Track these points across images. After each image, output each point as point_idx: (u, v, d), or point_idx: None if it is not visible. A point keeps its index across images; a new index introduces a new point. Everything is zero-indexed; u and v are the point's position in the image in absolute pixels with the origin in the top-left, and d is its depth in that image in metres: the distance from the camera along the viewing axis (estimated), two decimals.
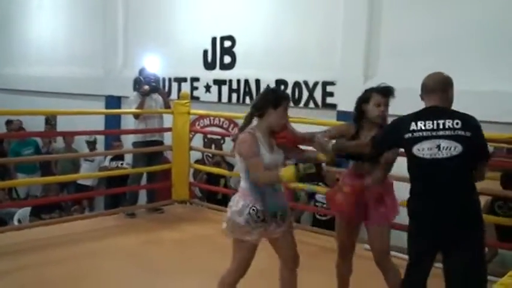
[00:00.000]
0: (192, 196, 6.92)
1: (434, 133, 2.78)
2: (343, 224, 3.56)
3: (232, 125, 7.75)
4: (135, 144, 6.52)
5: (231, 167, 7.32)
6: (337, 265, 3.73)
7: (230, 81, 7.67)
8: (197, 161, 7.44)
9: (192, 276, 4.31)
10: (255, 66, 7.39)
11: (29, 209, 7.30)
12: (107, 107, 9.36)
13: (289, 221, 3.36)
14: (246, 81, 7.48)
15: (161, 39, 8.57)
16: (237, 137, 3.16)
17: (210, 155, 7.89)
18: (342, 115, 6.39)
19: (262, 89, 7.28)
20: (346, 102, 6.41)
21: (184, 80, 8.21)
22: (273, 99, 3.15)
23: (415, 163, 2.86)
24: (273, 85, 7.14)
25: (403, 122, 2.92)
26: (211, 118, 7.96)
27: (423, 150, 2.79)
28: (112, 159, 8.17)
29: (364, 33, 6.29)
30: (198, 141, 7.88)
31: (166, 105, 6.53)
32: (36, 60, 11.07)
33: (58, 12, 10.75)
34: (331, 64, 6.64)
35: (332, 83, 6.63)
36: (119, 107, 8.98)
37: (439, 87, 2.91)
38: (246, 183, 3.15)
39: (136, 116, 6.39)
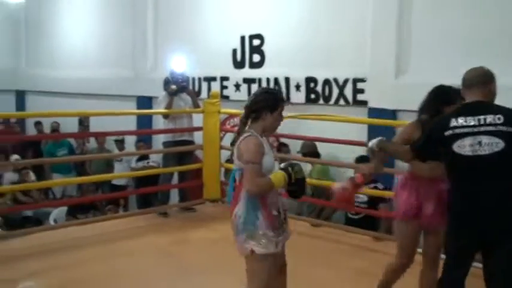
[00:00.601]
0: (223, 195, 6.93)
1: (475, 129, 2.70)
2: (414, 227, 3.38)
3: None
4: (165, 144, 6.57)
5: None
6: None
7: (259, 79, 7.66)
8: (228, 160, 7.44)
9: (225, 276, 4.31)
10: (284, 64, 7.36)
11: (64, 209, 7.45)
12: (138, 107, 9.46)
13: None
14: (276, 80, 7.45)
15: (190, 39, 8.61)
16: (236, 140, 3.00)
17: None
18: (373, 112, 6.33)
19: (292, 87, 7.28)
20: (377, 98, 6.39)
21: (214, 79, 8.23)
22: (270, 103, 3.02)
23: (455, 160, 2.78)
24: (303, 83, 7.12)
25: (443, 119, 2.84)
26: None
27: (464, 147, 2.71)
28: (138, 160, 8.27)
29: (395, 28, 6.18)
30: (228, 140, 7.87)
31: (195, 105, 6.55)
32: (69, 63, 11.27)
33: (89, 16, 10.91)
34: (361, 60, 6.56)
35: (362, 80, 6.55)
36: (150, 107, 9.06)
37: (480, 82, 2.82)
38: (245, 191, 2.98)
39: (166, 116, 6.44)
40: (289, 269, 3.18)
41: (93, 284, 4.12)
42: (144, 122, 9.09)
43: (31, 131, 11.73)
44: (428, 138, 2.97)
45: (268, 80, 7.54)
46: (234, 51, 8.02)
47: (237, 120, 8.00)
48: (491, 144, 2.66)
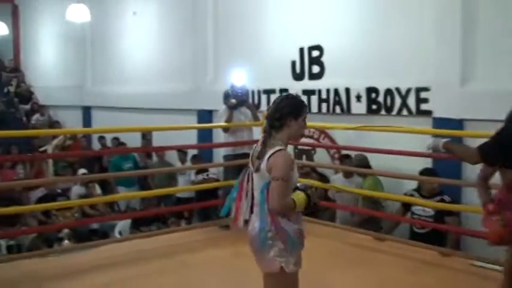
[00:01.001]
0: None
1: None
2: None
3: (323, 135, 7.65)
4: (226, 157, 6.59)
5: (323, 178, 7.22)
6: None
7: (319, 91, 7.58)
8: None
9: None
10: (344, 74, 7.26)
11: (129, 221, 7.61)
12: (199, 121, 9.59)
13: None
14: (336, 91, 7.36)
15: (249, 52, 8.67)
16: (264, 153, 2.87)
17: (301, 165, 7.82)
18: (438, 122, 6.11)
19: (352, 98, 7.16)
20: (442, 108, 6.18)
21: (273, 91, 8.22)
22: (294, 109, 2.92)
23: None
24: (363, 93, 6.99)
25: None
26: None
27: None
28: (197, 173, 8.36)
29: (459, 33, 5.95)
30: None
31: (255, 118, 6.56)
32: (131, 79, 11.61)
33: (150, 32, 11.21)
34: (424, 68, 6.37)
35: (426, 89, 6.35)
36: (211, 121, 9.16)
37: None
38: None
39: (226, 130, 6.47)
40: (353, 283, 3.11)
41: None
42: (205, 135, 9.20)
43: (96, 145, 12.14)
44: (501, 143, 2.83)
45: (328, 91, 7.45)
46: (293, 63, 7.99)
47: None
48: None
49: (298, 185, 2.96)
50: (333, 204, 6.75)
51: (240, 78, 6.66)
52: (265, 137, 2.94)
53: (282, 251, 2.84)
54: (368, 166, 6.50)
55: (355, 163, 6.57)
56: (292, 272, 2.87)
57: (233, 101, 6.39)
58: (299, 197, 2.84)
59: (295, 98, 3.06)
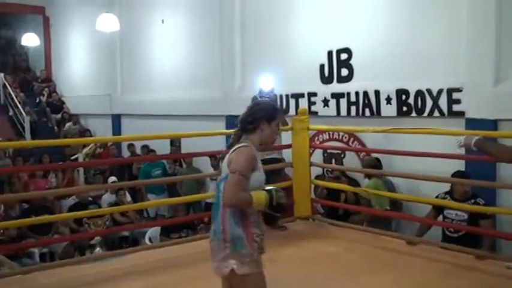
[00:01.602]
0: (314, 212, 6.82)
1: None
2: None
3: (352, 139, 7.56)
4: None
5: (353, 182, 7.14)
6: None
7: (348, 94, 7.50)
8: (317, 177, 7.33)
9: None
10: (374, 77, 7.17)
11: (159, 228, 7.65)
12: (227, 127, 9.59)
13: None
14: (365, 93, 7.27)
15: (277, 57, 8.64)
16: (224, 155, 2.89)
17: (330, 169, 7.76)
18: (471, 123, 5.97)
19: (382, 100, 7.06)
20: (476, 108, 6.03)
21: (302, 95, 8.17)
22: (268, 113, 2.92)
23: None
24: (393, 95, 6.88)
25: None
26: (330, 132, 7.83)
27: None
28: None
29: (493, 32, 5.80)
30: (317, 156, 7.78)
31: (283, 123, 6.50)
32: (160, 86, 11.69)
33: (178, 39, 11.28)
34: (456, 69, 6.24)
35: (458, 90, 6.21)
36: None
37: None
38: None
39: None
40: None
41: None
42: None
43: (125, 153, 12.26)
44: None
45: (357, 94, 7.37)
46: (322, 66, 7.93)
47: (325, 135, 7.91)
48: None
49: (266, 188, 2.90)
50: (350, 207, 6.70)
51: (267, 82, 6.63)
52: (234, 140, 2.95)
53: (234, 252, 2.80)
54: (378, 168, 6.50)
55: (365, 166, 6.63)
56: (245, 273, 2.81)
57: None
58: (258, 194, 2.78)
59: (270, 103, 3.09)
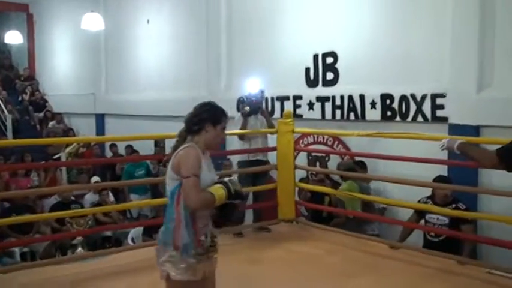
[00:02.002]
0: (298, 215, 6.84)
1: None
2: None
3: (337, 142, 7.60)
4: (240, 164, 6.59)
5: (337, 185, 7.17)
6: None
7: (333, 97, 7.54)
8: (302, 179, 7.36)
9: None
10: (359, 81, 7.22)
11: (141, 228, 7.60)
12: None
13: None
14: (350, 97, 7.31)
15: (263, 59, 8.65)
16: (170, 157, 2.86)
17: (314, 172, 7.79)
18: (454, 128, 6.04)
19: (367, 104, 7.11)
20: (459, 114, 6.10)
21: (287, 98, 8.19)
22: (213, 115, 2.91)
23: None
24: (378, 100, 6.94)
25: None
26: (315, 136, 7.86)
27: None
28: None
29: (477, 39, 5.87)
30: (302, 159, 7.81)
31: (270, 125, 6.54)
32: (145, 86, 11.66)
33: (164, 40, 11.24)
34: (440, 75, 6.30)
35: (442, 95, 6.28)
36: None
37: None
38: (182, 209, 2.79)
39: (241, 137, 6.46)
40: None
41: None
42: None
43: (108, 152, 12.18)
44: None
45: (342, 97, 7.41)
46: (307, 69, 7.96)
47: (310, 138, 7.94)
48: None
49: (218, 181, 2.91)
50: (334, 209, 6.73)
51: (254, 85, 6.65)
52: (178, 141, 2.92)
53: (173, 256, 2.77)
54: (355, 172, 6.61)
55: (341, 169, 6.72)
56: (180, 280, 2.77)
57: (247, 108, 6.40)
58: (217, 188, 2.77)
59: (216, 106, 3.02)
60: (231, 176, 2.96)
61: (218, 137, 2.96)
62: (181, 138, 2.94)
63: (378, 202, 6.46)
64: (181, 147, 2.85)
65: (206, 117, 2.91)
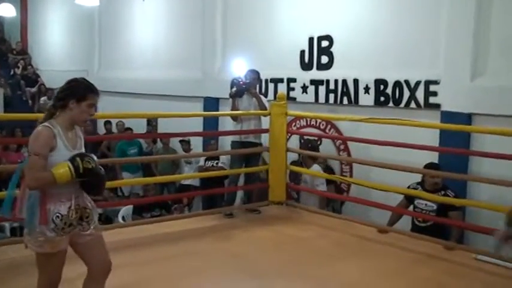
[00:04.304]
0: (288, 197, 6.88)
1: None
2: None
3: (329, 126, 7.61)
4: (232, 144, 6.59)
5: (329, 169, 7.20)
6: None
7: (327, 81, 7.53)
8: (293, 162, 7.38)
9: (288, 278, 4.26)
10: (354, 65, 7.21)
11: (131, 206, 7.61)
12: (205, 108, 9.57)
13: (95, 223, 3.04)
14: (344, 82, 7.31)
15: (258, 41, 8.62)
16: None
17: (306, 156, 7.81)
18: (446, 116, 6.07)
19: (361, 89, 7.12)
20: (452, 102, 6.13)
21: (281, 80, 8.18)
22: (76, 91, 2.86)
23: None
24: (372, 85, 6.94)
25: None
26: (308, 119, 7.87)
27: None
28: (207, 159, 8.33)
29: (472, 26, 5.87)
30: (294, 142, 7.82)
31: (261, 107, 6.48)
32: (139, 65, 11.57)
33: (159, 19, 11.15)
34: (434, 61, 6.32)
35: (435, 82, 6.30)
36: (217, 108, 9.15)
37: None
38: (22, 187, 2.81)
39: (234, 118, 6.46)
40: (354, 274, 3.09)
41: (157, 284, 4.15)
42: (211, 122, 9.18)
43: (101, 129, 12.14)
44: None
45: (336, 81, 7.40)
46: (302, 52, 7.93)
47: (303, 122, 7.95)
48: None
49: (70, 157, 2.84)
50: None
51: (240, 66, 6.63)
52: (45, 117, 2.90)
53: (31, 230, 2.80)
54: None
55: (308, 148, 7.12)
56: (37, 252, 2.84)
57: (233, 89, 6.39)
58: (59, 168, 2.72)
59: (82, 82, 2.96)
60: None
61: (84, 114, 2.90)
62: (48, 114, 2.91)
63: (365, 186, 6.45)
64: (38, 126, 2.83)
65: (69, 93, 2.88)
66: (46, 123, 2.84)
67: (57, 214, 2.80)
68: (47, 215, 2.78)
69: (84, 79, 3.00)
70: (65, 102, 2.86)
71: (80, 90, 2.89)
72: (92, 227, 2.99)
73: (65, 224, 2.82)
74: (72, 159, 2.77)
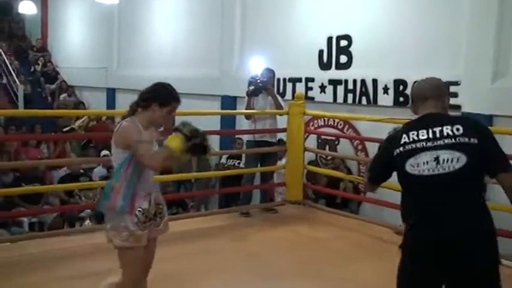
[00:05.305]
0: (305, 197, 6.85)
1: (430, 143, 2.32)
2: None
3: (347, 126, 7.57)
4: (248, 143, 6.57)
5: (347, 170, 7.17)
6: None
7: (346, 81, 7.50)
8: (310, 162, 7.36)
9: (304, 278, 4.24)
10: (372, 65, 7.17)
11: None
12: (222, 107, 9.57)
13: (166, 219, 3.10)
14: (363, 81, 7.27)
15: (276, 40, 8.60)
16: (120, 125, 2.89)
17: (325, 156, 7.79)
18: None
19: (379, 89, 7.07)
20: (472, 103, 6.05)
21: (299, 80, 8.16)
22: (161, 96, 2.95)
23: (408, 183, 2.39)
24: (391, 85, 6.88)
25: (395, 136, 2.47)
26: (326, 119, 7.83)
27: (418, 166, 2.31)
28: (229, 158, 8.35)
29: (494, 26, 5.80)
30: (311, 141, 7.79)
31: (277, 106, 6.43)
32: (157, 62, 11.62)
33: (179, 16, 11.19)
34: (455, 62, 6.26)
35: (456, 83, 6.22)
36: (234, 107, 9.14)
37: (434, 95, 2.51)
38: (122, 179, 2.82)
39: (248, 117, 6.43)
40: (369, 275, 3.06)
41: (175, 280, 4.15)
42: (228, 121, 9.17)
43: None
44: (377, 160, 2.63)
45: (355, 81, 7.36)
46: (321, 52, 7.90)
47: (320, 121, 7.91)
48: (450, 161, 2.27)
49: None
50: (348, 195, 6.71)
51: (257, 65, 6.61)
52: (128, 113, 2.98)
53: (115, 224, 2.84)
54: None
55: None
56: (121, 246, 2.85)
57: (250, 88, 6.36)
58: (170, 140, 2.78)
59: (168, 89, 3.08)
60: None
61: (162, 119, 2.98)
62: (131, 110, 2.99)
63: (382, 186, 6.39)
64: (122, 121, 2.91)
65: (153, 96, 2.97)
66: (129, 119, 2.92)
67: (139, 208, 2.86)
68: (133, 209, 2.85)
69: (169, 85, 3.15)
70: (148, 104, 2.95)
71: (164, 96, 3.00)
72: (162, 223, 3.07)
73: (146, 217, 2.88)
74: (176, 130, 2.86)
